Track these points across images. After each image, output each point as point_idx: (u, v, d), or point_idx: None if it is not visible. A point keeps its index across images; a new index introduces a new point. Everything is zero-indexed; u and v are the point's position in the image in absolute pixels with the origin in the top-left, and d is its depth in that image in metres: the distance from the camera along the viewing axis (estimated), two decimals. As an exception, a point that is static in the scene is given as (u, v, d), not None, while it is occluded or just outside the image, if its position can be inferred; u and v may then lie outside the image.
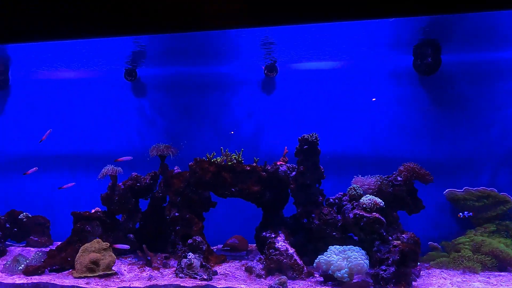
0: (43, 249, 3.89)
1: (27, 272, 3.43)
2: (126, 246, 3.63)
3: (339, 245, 3.33)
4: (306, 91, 4.47)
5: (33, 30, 3.11)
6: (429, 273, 3.53)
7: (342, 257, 3.16)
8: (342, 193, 3.80)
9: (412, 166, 3.73)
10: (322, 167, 3.76)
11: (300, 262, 3.43)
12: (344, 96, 4.44)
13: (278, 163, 3.86)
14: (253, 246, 4.17)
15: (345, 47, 4.12)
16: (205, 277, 3.32)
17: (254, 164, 3.93)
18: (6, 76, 4.72)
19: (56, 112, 4.71)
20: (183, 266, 3.39)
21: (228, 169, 3.85)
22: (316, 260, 3.27)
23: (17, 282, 3.30)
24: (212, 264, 3.67)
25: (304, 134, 3.69)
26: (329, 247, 3.32)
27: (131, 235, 3.89)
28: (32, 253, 3.79)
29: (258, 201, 3.93)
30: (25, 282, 3.32)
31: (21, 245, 4.24)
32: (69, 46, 4.00)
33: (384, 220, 3.30)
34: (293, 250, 3.51)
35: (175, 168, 3.99)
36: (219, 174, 3.82)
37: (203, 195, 3.91)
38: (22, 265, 3.49)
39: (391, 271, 3.07)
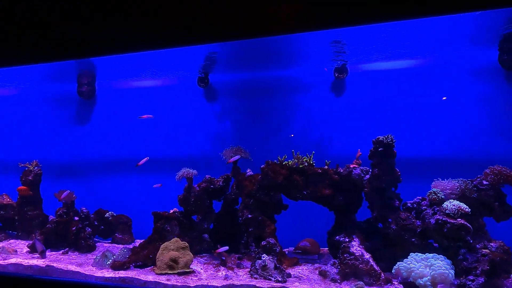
0: (127, 246, 4.17)
1: (115, 267, 3.69)
2: (225, 248, 3.73)
3: (419, 252, 3.18)
4: (378, 92, 4.34)
5: (117, 43, 3.37)
6: (523, 286, 3.22)
7: (424, 265, 3.00)
8: (420, 197, 3.62)
9: (499, 169, 3.45)
10: (398, 170, 3.62)
11: (377, 268, 3.32)
12: (420, 96, 4.24)
13: (351, 166, 3.78)
14: (324, 250, 4.12)
15: (421, 44, 3.94)
16: (279, 279, 3.34)
17: (326, 167, 3.89)
18: (93, 86, 5.18)
19: (137, 119, 5.05)
20: (257, 267, 3.44)
21: (300, 172, 3.86)
22: (395, 267, 3.14)
23: (106, 275, 3.57)
24: (285, 267, 3.68)
25: (379, 136, 3.58)
26: (410, 254, 3.18)
27: (206, 235, 4.03)
28: (117, 249, 4.08)
29: (329, 204, 3.88)
30: (112, 276, 3.57)
31: (107, 241, 4.59)
32: (148, 57, 4.29)
33: (470, 227, 3.09)
34: (369, 255, 3.41)
35: (247, 171, 4.08)
36: (290, 177, 3.84)
37: (275, 197, 3.95)
38: (110, 260, 3.76)
39: (480, 282, 2.85)
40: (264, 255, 3.48)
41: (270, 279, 3.36)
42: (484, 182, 3.47)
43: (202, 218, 4.13)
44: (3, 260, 3.93)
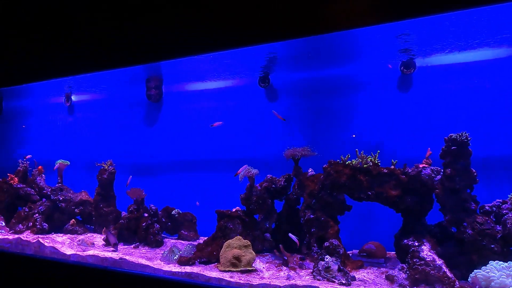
0: (192, 242, 4.32)
1: (181, 262, 3.84)
2: (295, 238, 3.75)
3: (499, 260, 2.91)
4: (449, 87, 4.05)
5: (181, 46, 3.50)
6: None
7: (506, 274, 2.73)
8: (501, 200, 3.31)
9: None
10: (474, 170, 3.34)
11: (450, 275, 3.09)
12: (497, 90, 3.88)
13: (421, 166, 3.56)
14: (391, 253, 3.93)
15: (500, 32, 3.61)
16: (343, 281, 3.24)
17: (392, 167, 3.71)
18: (161, 90, 5.45)
19: (201, 120, 5.23)
20: (320, 268, 3.38)
21: (364, 172, 3.72)
22: (471, 275, 2.90)
23: (173, 270, 3.72)
24: (349, 269, 3.57)
25: (452, 134, 3.34)
26: (490, 262, 2.92)
27: (268, 235, 4.05)
28: (183, 245, 4.24)
29: (396, 206, 3.69)
30: (179, 270, 3.71)
31: (173, 237, 4.80)
32: (210, 59, 4.41)
33: (562, 233, 2.76)
34: (442, 261, 3.18)
35: (309, 170, 4.03)
36: (354, 177, 3.72)
37: (338, 198, 3.85)
38: (177, 256, 3.92)
39: None
40: (327, 256, 3.40)
41: (333, 281, 3.27)
42: None
43: (264, 218, 4.15)
44: (83, 251, 4.27)
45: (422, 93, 4.17)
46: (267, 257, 3.98)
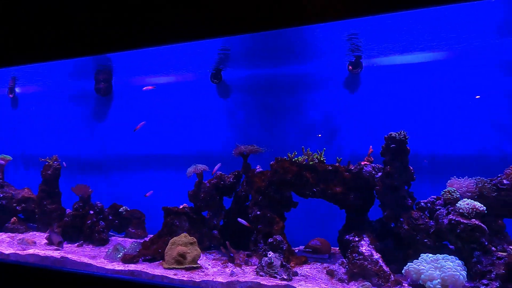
0: (138, 240, 4.23)
1: (125, 260, 3.75)
2: (245, 222, 3.74)
3: (432, 254, 3.04)
4: (395, 87, 4.19)
5: (130, 38, 3.42)
6: (545, 293, 3.02)
7: (434, 266, 2.87)
8: (435, 196, 3.46)
9: (522, 168, 3.25)
10: (411, 167, 3.48)
11: (386, 269, 3.20)
12: (438, 91, 4.06)
13: (363, 163, 3.67)
14: (336, 249, 4.02)
15: (441, 36, 3.75)
16: (285, 277, 3.29)
17: (337, 164, 3.80)
18: (110, 83, 5.29)
19: (151, 115, 5.12)
20: (263, 264, 3.40)
21: (310, 169, 3.78)
22: (405, 268, 3.02)
23: (116, 268, 3.63)
24: (292, 265, 3.62)
25: (391, 132, 3.46)
26: (421, 255, 3.05)
27: (216, 232, 4.03)
28: (129, 244, 4.15)
29: (341, 203, 3.78)
30: (122, 269, 3.62)
31: (121, 235, 4.68)
32: (162, 53, 4.32)
33: (485, 228, 2.92)
34: (379, 255, 3.29)
35: (257, 167, 4.04)
36: (300, 173, 3.77)
37: (285, 194, 3.89)
38: (121, 254, 3.83)
39: (494, 286, 2.69)
40: (270, 252, 3.44)
41: (275, 277, 3.31)
42: (505, 182, 3.28)
43: (212, 214, 4.13)
44: (22, 250, 4.08)
45: (368, 92, 4.29)
46: (214, 254, 3.96)
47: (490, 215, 3.20)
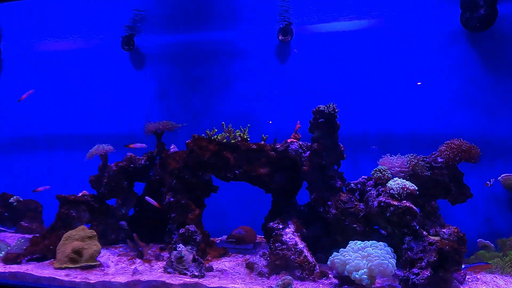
0: (27, 235, 3.55)
1: (7, 260, 3.11)
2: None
3: (362, 240, 2.69)
4: (327, 57, 3.79)
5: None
6: (478, 278, 2.78)
7: (361, 255, 2.51)
8: (366, 176, 3.13)
9: (457, 144, 2.97)
10: (342, 145, 3.10)
11: (311, 259, 2.82)
12: (372, 62, 3.71)
13: (289, 141, 3.24)
14: (263, 238, 3.60)
15: (374, 2, 3.40)
16: (196, 273, 2.81)
17: (262, 143, 3.35)
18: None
19: (49, 87, 4.35)
20: (172, 259, 2.90)
21: (231, 148, 3.30)
22: (330, 258, 2.64)
23: (-6, 270, 2.97)
24: (210, 258, 3.16)
25: (320, 105, 3.05)
26: (349, 242, 2.68)
27: (124, 223, 3.46)
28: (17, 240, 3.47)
29: (266, 186, 3.35)
30: (2, 270, 2.97)
31: (10, 230, 3.96)
32: (60, 10, 3.60)
33: (417, 210, 2.60)
34: (304, 244, 2.91)
35: (171, 147, 3.50)
36: (220, 153, 3.28)
37: (203, 178, 3.39)
38: (3, 253, 3.16)
39: (425, 275, 2.37)
40: (180, 245, 2.94)
41: (185, 274, 2.82)
42: (439, 160, 3.01)
43: (121, 203, 3.55)
44: None
45: (299, 62, 3.86)
46: (120, 249, 3.40)
47: (423, 195, 2.91)
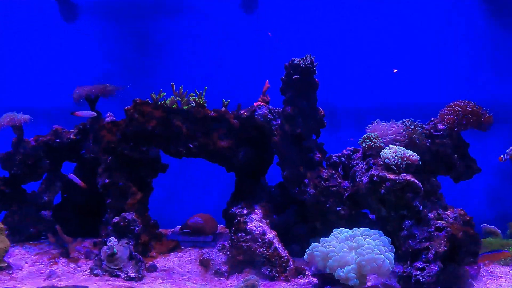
0: None
1: None
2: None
3: (348, 227, 2.07)
4: (303, 8, 3.13)
5: None
6: (491, 272, 2.22)
7: (348, 247, 1.89)
8: (352, 148, 2.52)
9: (462, 106, 2.40)
10: (321, 109, 2.48)
11: (283, 252, 2.19)
12: (358, 15, 3.10)
13: (256, 104, 2.59)
14: (226, 228, 2.95)
15: None
16: (132, 274, 2.13)
17: (223, 109, 2.68)
18: None
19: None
20: (102, 257, 2.20)
21: (184, 116, 2.62)
22: (307, 251, 2.01)
23: None
24: (155, 254, 2.49)
25: (294, 58, 2.40)
26: (334, 230, 2.06)
27: (46, 212, 2.73)
28: None
29: (228, 163, 2.69)
30: None
31: None
32: None
33: (420, 185, 2.00)
34: (274, 233, 2.28)
35: (106, 115, 2.77)
36: (169, 122, 2.59)
37: (148, 154, 2.69)
38: None
39: (434, 271, 1.78)
40: (112, 238, 2.23)
41: (118, 275, 2.14)
42: (440, 127, 2.44)
43: (44, 187, 2.80)
44: None
45: (269, 13, 3.18)
46: (40, 246, 2.65)
47: (422, 171, 2.32)
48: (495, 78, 2.92)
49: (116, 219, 2.34)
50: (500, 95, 2.89)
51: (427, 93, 3.09)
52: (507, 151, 2.75)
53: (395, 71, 3.14)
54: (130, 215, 2.35)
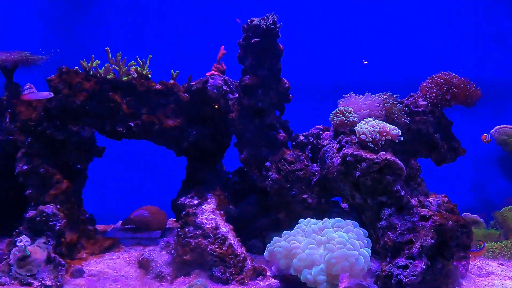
0: None
1: None
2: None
3: (316, 218, 1.72)
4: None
5: None
6: (479, 267, 1.94)
7: (316, 241, 1.53)
8: (322, 126, 2.17)
9: (446, 78, 2.09)
10: (285, 79, 2.10)
11: (239, 250, 1.82)
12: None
13: (208, 74, 2.18)
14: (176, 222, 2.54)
15: None
16: (48, 282, 1.69)
17: (172, 82, 2.26)
18: None
19: None
20: (11, 261, 1.74)
21: (123, 89, 2.17)
22: (268, 247, 1.64)
23: None
24: (85, 255, 2.05)
25: (253, 18, 2.01)
26: (299, 221, 1.70)
27: None
28: None
29: (177, 145, 2.27)
30: None
31: None
32: None
33: (403, 166, 1.67)
34: (229, 227, 1.90)
35: (25, 88, 2.27)
36: (104, 95, 2.13)
37: (80, 134, 2.24)
38: None
39: (419, 269, 1.45)
40: (23, 237, 1.77)
41: (30, 284, 1.69)
42: (421, 102, 2.13)
43: None
44: None
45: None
46: None
47: (400, 153, 2.00)
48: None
49: (32, 213, 1.88)
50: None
51: (408, 68, 2.79)
52: (491, 131, 2.50)
53: (365, 62, 2.86)
54: (49, 209, 1.89)
